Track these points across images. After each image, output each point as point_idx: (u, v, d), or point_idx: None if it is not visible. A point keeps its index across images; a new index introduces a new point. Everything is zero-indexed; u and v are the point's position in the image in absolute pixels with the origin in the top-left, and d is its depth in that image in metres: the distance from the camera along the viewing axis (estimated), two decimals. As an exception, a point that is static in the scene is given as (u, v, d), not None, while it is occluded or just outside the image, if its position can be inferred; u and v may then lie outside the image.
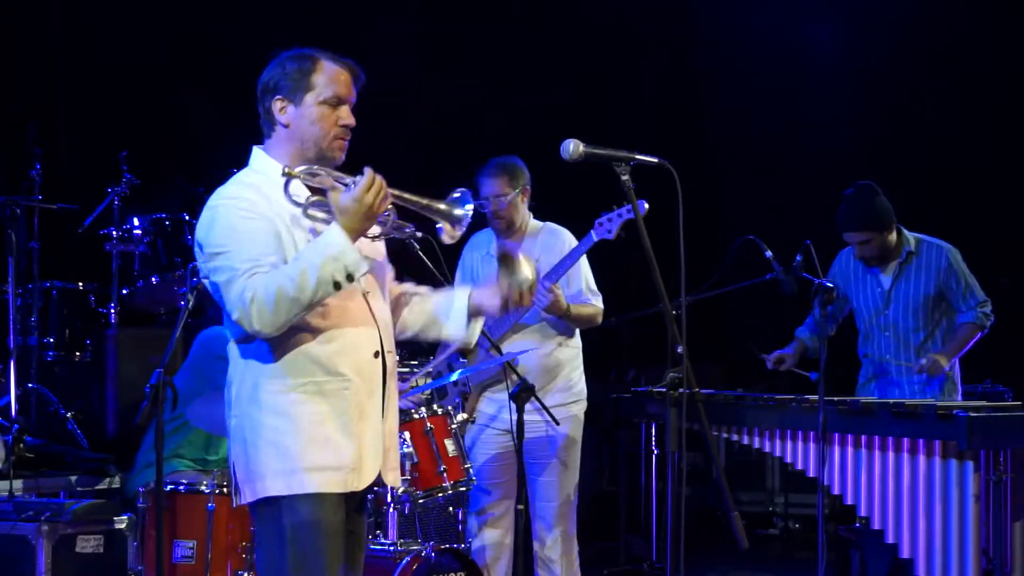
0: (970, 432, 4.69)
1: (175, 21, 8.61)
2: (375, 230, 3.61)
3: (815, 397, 5.09)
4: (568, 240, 5.54)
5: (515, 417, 4.94)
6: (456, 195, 3.61)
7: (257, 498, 3.48)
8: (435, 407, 5.16)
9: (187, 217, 7.48)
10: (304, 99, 3.57)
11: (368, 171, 3.49)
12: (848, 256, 6.05)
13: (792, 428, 5.30)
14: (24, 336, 7.02)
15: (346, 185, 3.50)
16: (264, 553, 3.50)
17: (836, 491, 5.18)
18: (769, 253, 5.75)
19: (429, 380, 5.63)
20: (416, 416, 5.03)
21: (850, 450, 5.13)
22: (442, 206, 3.60)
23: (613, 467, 8.73)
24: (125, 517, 5.28)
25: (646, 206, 4.84)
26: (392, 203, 3.55)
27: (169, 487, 4.84)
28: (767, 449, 5.44)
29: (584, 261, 5.51)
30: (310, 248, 3.43)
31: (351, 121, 3.63)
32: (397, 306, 3.83)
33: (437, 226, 3.63)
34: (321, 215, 3.53)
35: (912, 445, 4.94)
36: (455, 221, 3.59)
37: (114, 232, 7.30)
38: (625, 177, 3.65)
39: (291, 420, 3.46)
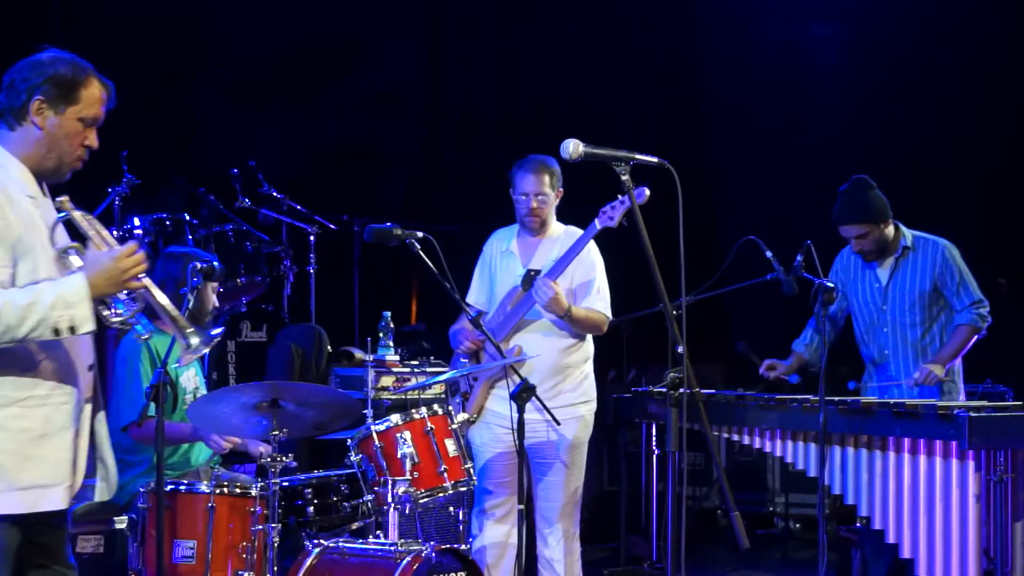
0: (970, 432, 4.70)
1: (175, 21, 8.61)
2: (119, 311, 3.52)
3: (815, 397, 5.10)
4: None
5: (516, 417, 4.94)
6: (214, 332, 3.63)
7: None
8: (435, 407, 5.16)
9: (187, 217, 7.48)
10: (67, 111, 3.51)
11: (133, 243, 3.50)
12: (848, 253, 6.04)
13: (792, 428, 5.30)
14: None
15: (109, 247, 3.50)
16: None
17: (836, 491, 5.18)
18: (769, 253, 5.75)
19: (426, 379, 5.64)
20: (416, 416, 5.03)
21: (850, 450, 5.14)
22: (188, 328, 3.58)
23: (613, 467, 8.72)
24: (125, 517, 5.27)
25: (647, 193, 4.85)
26: (144, 294, 3.52)
27: (169, 487, 4.84)
28: (767, 449, 5.44)
29: (601, 266, 5.51)
30: (48, 287, 3.36)
31: (95, 144, 3.59)
32: None
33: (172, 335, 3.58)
34: (73, 262, 3.50)
35: (912, 445, 4.95)
36: (187, 346, 3.57)
37: (115, 232, 7.29)
38: (625, 177, 3.66)
39: (9, 436, 3.38)
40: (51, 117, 3.51)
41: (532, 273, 5.48)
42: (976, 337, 5.82)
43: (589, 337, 5.59)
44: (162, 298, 3.56)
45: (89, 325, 3.40)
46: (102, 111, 3.58)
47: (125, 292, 3.50)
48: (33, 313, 3.30)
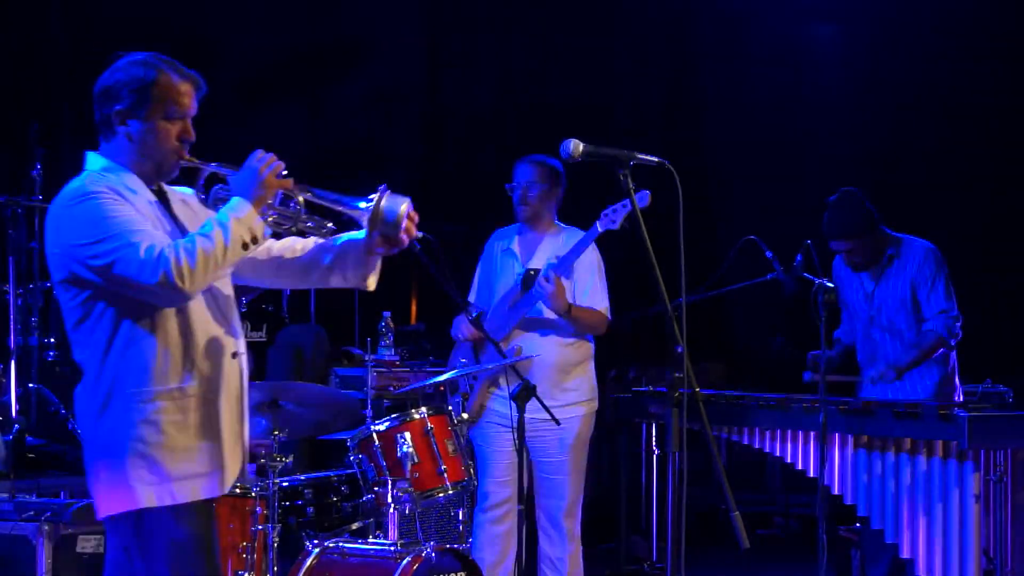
0: (970, 432, 4.70)
1: (176, 21, 8.61)
2: (285, 213, 3.57)
3: (815, 397, 5.10)
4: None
5: (517, 417, 4.94)
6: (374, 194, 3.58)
7: (125, 511, 3.42)
8: (435, 407, 5.16)
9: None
10: (148, 113, 3.51)
11: (259, 150, 3.51)
12: (840, 261, 6.04)
13: (792, 428, 5.30)
14: (25, 336, 7.02)
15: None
16: (123, 569, 3.43)
17: (836, 491, 5.19)
18: (770, 253, 5.75)
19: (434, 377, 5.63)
20: (416, 416, 5.03)
21: (850, 450, 5.14)
22: (351, 205, 3.58)
23: (614, 467, 8.71)
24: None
25: (649, 197, 4.87)
26: (303, 198, 3.56)
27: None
28: (767, 449, 5.44)
29: (600, 266, 5.51)
30: (213, 218, 3.44)
31: (192, 136, 3.58)
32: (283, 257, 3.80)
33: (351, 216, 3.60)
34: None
35: (912, 445, 4.95)
36: (360, 215, 3.57)
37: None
38: (625, 177, 3.66)
39: (157, 429, 3.42)
40: (134, 123, 3.51)
41: (532, 272, 5.49)
42: (943, 349, 5.72)
43: (590, 336, 5.59)
44: (312, 192, 3.57)
45: (267, 230, 3.49)
46: (190, 102, 3.56)
47: (279, 197, 3.53)
48: (222, 237, 3.37)
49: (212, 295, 3.55)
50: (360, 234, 3.66)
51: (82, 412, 3.51)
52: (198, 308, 3.50)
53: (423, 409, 5.08)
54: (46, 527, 5.10)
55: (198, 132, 3.62)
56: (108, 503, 3.45)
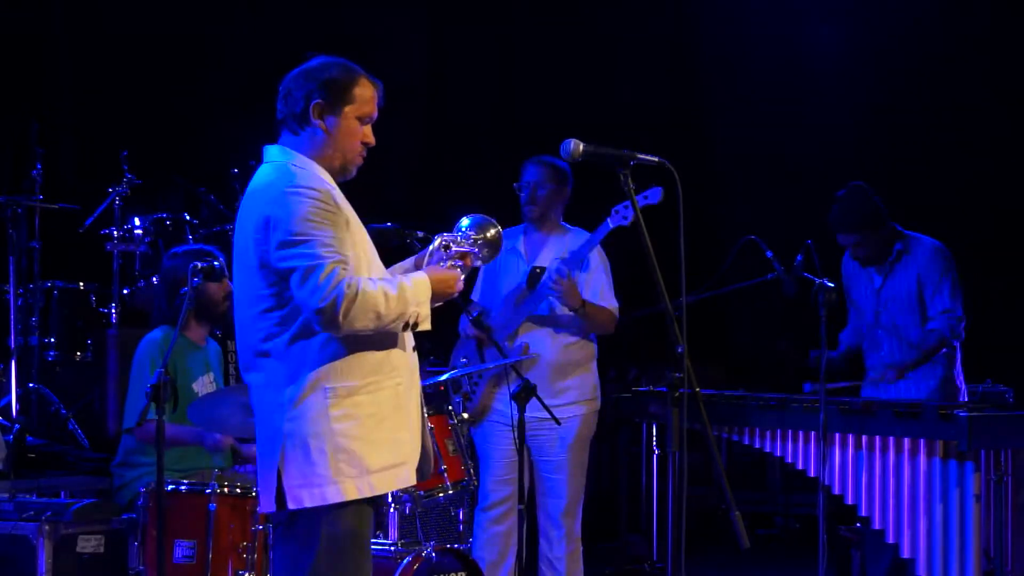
0: (970, 432, 4.70)
1: (176, 21, 8.61)
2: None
3: (816, 397, 5.10)
4: None
5: (517, 416, 4.94)
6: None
7: (326, 503, 3.46)
8: (435, 407, 5.15)
9: (187, 217, 7.48)
10: (344, 110, 3.65)
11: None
12: (849, 256, 6.02)
13: (793, 428, 5.30)
14: (25, 336, 7.02)
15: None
16: (309, 558, 3.48)
17: (837, 491, 5.18)
18: (770, 253, 5.75)
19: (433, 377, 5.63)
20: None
21: (851, 450, 5.14)
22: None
23: (614, 467, 8.72)
24: (126, 517, 5.28)
25: (661, 193, 4.92)
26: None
27: (170, 487, 4.84)
28: (768, 449, 5.44)
29: (607, 267, 5.53)
30: (405, 282, 3.53)
31: (373, 141, 3.72)
32: None
33: None
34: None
35: (913, 445, 4.95)
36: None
37: (115, 232, 7.30)
38: (626, 177, 3.66)
39: (357, 423, 3.50)
40: (330, 117, 3.63)
41: (537, 270, 5.50)
42: (946, 349, 5.71)
43: (593, 335, 5.60)
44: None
45: (427, 325, 3.60)
46: (375, 108, 3.72)
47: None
48: (399, 306, 3.49)
49: None
50: None
51: (269, 402, 3.53)
52: None
53: (423, 409, 5.07)
54: (46, 527, 5.10)
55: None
56: (304, 496, 3.47)
